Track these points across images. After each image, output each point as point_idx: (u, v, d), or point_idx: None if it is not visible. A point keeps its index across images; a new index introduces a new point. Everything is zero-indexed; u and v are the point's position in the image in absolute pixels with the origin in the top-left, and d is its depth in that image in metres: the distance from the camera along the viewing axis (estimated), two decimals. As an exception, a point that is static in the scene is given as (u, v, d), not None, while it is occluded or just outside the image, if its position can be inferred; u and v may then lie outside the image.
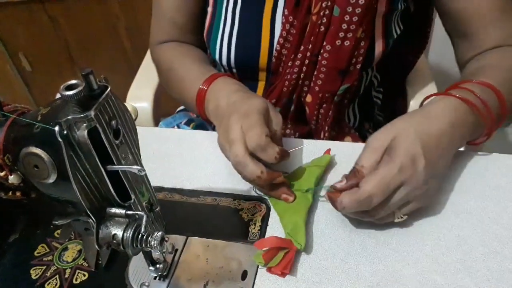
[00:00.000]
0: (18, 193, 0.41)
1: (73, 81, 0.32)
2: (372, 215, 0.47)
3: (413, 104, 0.82)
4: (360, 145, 0.59)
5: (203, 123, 0.83)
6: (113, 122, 0.34)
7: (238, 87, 0.59)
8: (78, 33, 1.68)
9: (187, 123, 0.82)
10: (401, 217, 0.47)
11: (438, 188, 0.49)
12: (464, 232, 0.48)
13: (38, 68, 1.83)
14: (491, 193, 0.52)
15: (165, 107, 0.96)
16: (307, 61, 0.63)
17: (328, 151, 0.58)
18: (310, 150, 0.60)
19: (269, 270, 0.46)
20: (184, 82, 0.67)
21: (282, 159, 0.50)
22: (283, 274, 0.45)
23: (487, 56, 0.62)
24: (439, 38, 1.27)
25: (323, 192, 0.53)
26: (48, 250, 0.50)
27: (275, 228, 0.50)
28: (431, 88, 0.84)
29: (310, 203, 0.51)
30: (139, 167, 0.34)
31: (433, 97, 0.54)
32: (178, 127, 0.81)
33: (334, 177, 0.56)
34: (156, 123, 0.90)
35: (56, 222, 0.36)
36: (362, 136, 0.77)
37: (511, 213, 0.50)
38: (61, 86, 0.31)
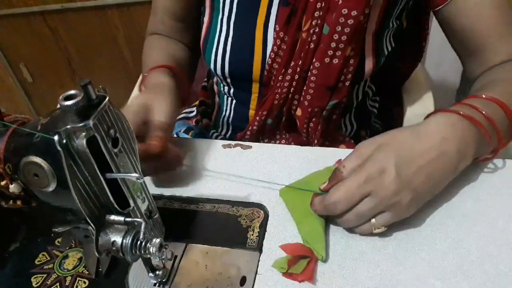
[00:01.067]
0: (18, 202, 0.42)
1: (72, 92, 0.33)
2: (344, 222, 0.48)
3: (410, 111, 0.83)
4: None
5: (200, 132, 0.83)
6: (112, 131, 0.35)
7: (149, 89, 0.62)
8: (78, 44, 1.70)
9: (186, 131, 0.82)
10: (379, 228, 0.48)
11: (414, 202, 0.48)
12: (460, 236, 0.49)
13: (39, 79, 1.84)
14: (486, 196, 0.53)
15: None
16: (297, 76, 0.64)
17: (339, 161, 0.58)
18: (305, 156, 0.60)
19: (289, 276, 0.46)
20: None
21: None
22: (302, 281, 0.46)
23: (494, 71, 0.62)
24: (435, 46, 1.28)
25: None
26: (48, 258, 0.51)
27: (274, 234, 0.51)
28: (428, 96, 0.85)
29: None
30: (137, 175, 0.35)
31: (438, 112, 0.52)
32: (177, 135, 0.82)
33: None
34: (156, 132, 0.91)
35: (56, 230, 0.37)
36: (358, 143, 0.78)
37: (507, 216, 0.50)
38: (60, 96, 0.32)
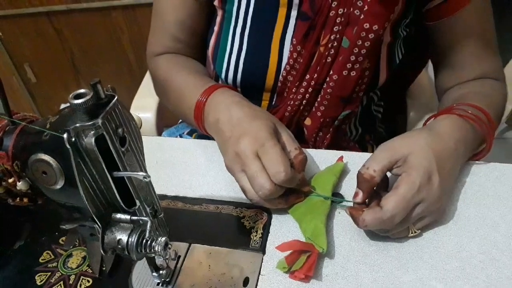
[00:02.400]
0: (25, 199, 0.42)
1: (82, 90, 0.33)
2: (389, 231, 0.48)
3: (413, 115, 0.83)
4: (361, 156, 0.61)
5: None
6: (120, 130, 0.35)
7: (239, 99, 0.58)
8: (82, 45, 1.71)
9: (190, 133, 0.83)
10: (415, 232, 0.49)
11: (448, 202, 0.52)
12: (463, 239, 0.49)
13: (43, 79, 1.85)
14: (489, 201, 0.53)
15: (168, 118, 0.97)
16: (310, 89, 0.64)
17: (341, 158, 0.59)
18: (310, 158, 0.61)
19: (292, 275, 0.46)
20: (182, 94, 0.66)
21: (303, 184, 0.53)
22: (306, 278, 0.46)
23: (468, 84, 0.67)
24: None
25: (340, 208, 0.54)
26: (53, 256, 0.51)
27: (277, 236, 0.51)
28: (431, 100, 0.85)
29: (329, 208, 0.52)
30: (144, 174, 0.35)
31: (440, 116, 0.57)
32: (181, 136, 0.83)
33: (346, 185, 0.57)
34: (159, 133, 0.92)
35: (64, 227, 0.37)
36: (362, 147, 0.78)
37: (509, 221, 0.51)
38: (70, 95, 0.32)
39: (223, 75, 0.69)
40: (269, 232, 0.52)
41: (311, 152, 0.63)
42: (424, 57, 0.79)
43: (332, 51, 0.61)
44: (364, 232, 0.50)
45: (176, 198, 0.57)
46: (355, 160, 0.60)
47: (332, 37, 0.60)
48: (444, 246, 0.48)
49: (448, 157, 0.50)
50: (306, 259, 0.46)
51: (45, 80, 1.84)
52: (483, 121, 0.55)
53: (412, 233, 0.49)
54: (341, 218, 0.53)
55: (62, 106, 1.80)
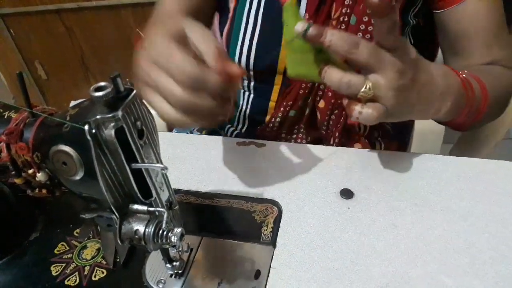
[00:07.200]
0: (44, 191, 0.43)
1: (102, 83, 0.34)
2: (355, 53, 0.45)
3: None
4: (370, 152, 0.61)
5: (214, 129, 0.85)
6: (138, 123, 0.36)
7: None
8: (92, 43, 1.73)
9: (199, 130, 0.84)
10: (369, 88, 0.46)
11: (403, 106, 0.49)
12: (472, 236, 0.50)
13: (53, 77, 1.87)
14: (499, 198, 0.54)
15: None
16: None
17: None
18: (319, 154, 0.61)
19: None
20: None
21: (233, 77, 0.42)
22: None
23: (475, 66, 0.66)
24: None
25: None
26: (67, 248, 0.52)
27: (287, 230, 0.52)
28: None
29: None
30: (162, 165, 0.36)
31: None
32: (191, 132, 0.84)
33: (355, 181, 0.58)
34: (170, 129, 0.93)
35: (84, 216, 0.38)
36: (371, 143, 0.79)
37: (519, 218, 0.51)
38: (91, 87, 0.33)
39: (236, 58, 0.71)
40: (279, 226, 0.52)
41: (322, 148, 0.63)
42: (433, 52, 0.79)
43: (343, 26, 0.62)
44: (374, 228, 0.51)
45: (188, 192, 0.58)
46: (364, 157, 0.60)
47: (343, 11, 0.61)
48: (453, 242, 0.49)
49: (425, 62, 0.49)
50: None
51: (56, 77, 1.86)
52: (470, 83, 0.55)
53: (365, 87, 0.46)
54: (351, 213, 0.53)
55: (72, 103, 1.81)
